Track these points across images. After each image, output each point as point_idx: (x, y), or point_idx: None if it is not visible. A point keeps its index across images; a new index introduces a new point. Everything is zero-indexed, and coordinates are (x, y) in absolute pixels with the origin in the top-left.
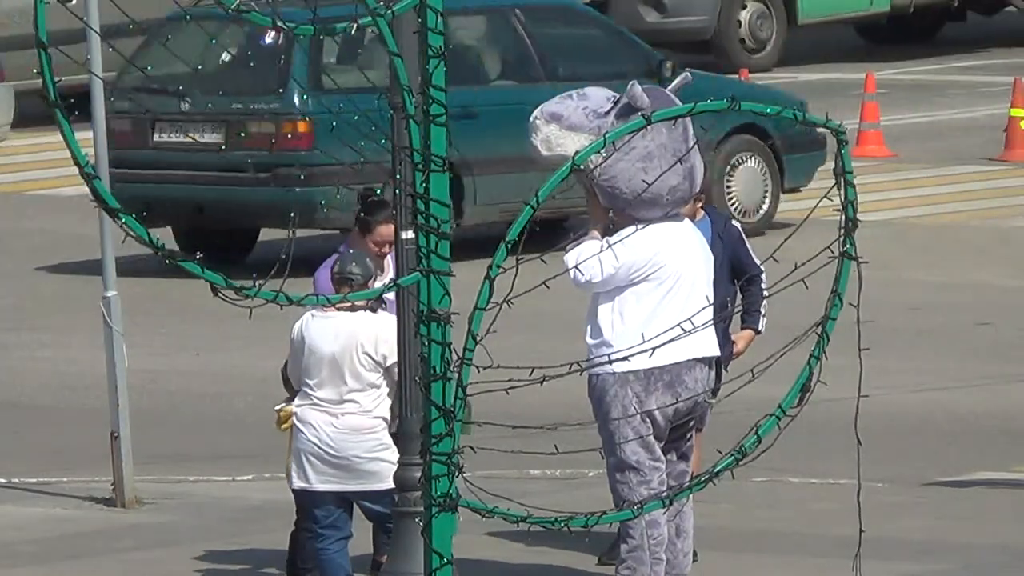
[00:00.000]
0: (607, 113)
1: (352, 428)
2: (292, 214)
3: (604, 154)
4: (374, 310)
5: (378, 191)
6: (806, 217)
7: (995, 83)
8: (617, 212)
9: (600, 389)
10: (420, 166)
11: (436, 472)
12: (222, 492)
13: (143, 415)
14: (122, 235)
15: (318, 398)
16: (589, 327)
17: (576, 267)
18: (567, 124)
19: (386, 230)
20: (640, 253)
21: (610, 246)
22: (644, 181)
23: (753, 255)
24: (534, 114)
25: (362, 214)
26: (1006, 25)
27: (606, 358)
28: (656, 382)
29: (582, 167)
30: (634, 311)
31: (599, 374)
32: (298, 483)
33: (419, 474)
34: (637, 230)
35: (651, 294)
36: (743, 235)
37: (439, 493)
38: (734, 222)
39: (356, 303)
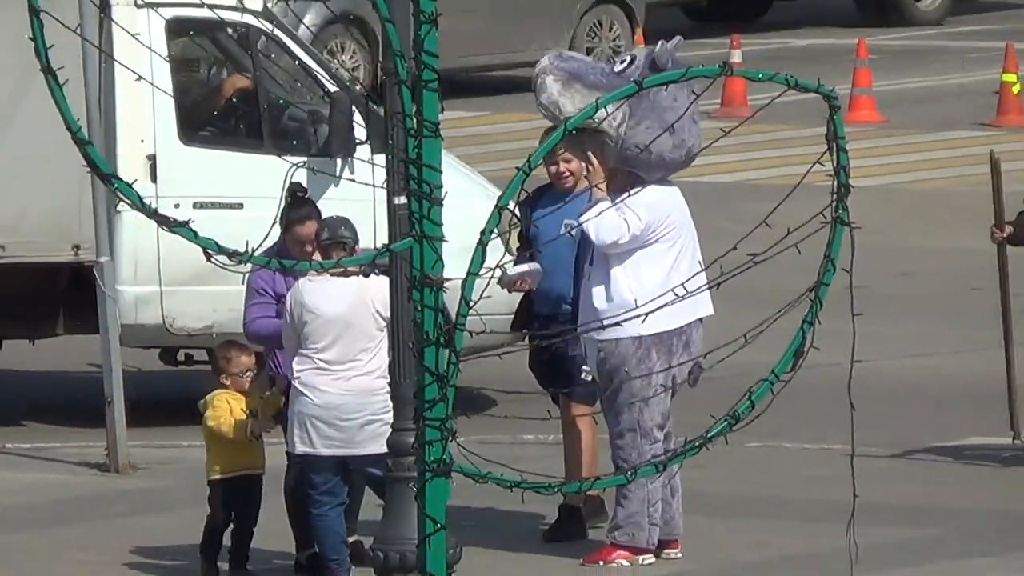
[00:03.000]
0: (621, 72)
1: (361, 390)
2: (285, 186)
3: (630, 116)
4: (367, 275)
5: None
6: (799, 182)
7: (987, 48)
8: (620, 173)
9: (621, 354)
10: (412, 131)
11: (430, 437)
12: None
13: (137, 379)
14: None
15: (324, 360)
16: (601, 291)
17: (599, 227)
18: (589, 83)
19: (303, 230)
20: (658, 214)
21: (621, 204)
22: (641, 148)
23: None
24: (546, 73)
25: (286, 210)
26: (841, 6)
27: (614, 322)
28: (677, 343)
29: (604, 127)
30: (651, 273)
31: (620, 338)
32: (301, 448)
33: (412, 439)
34: (632, 193)
35: (665, 255)
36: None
37: (432, 458)
38: None
39: (349, 268)
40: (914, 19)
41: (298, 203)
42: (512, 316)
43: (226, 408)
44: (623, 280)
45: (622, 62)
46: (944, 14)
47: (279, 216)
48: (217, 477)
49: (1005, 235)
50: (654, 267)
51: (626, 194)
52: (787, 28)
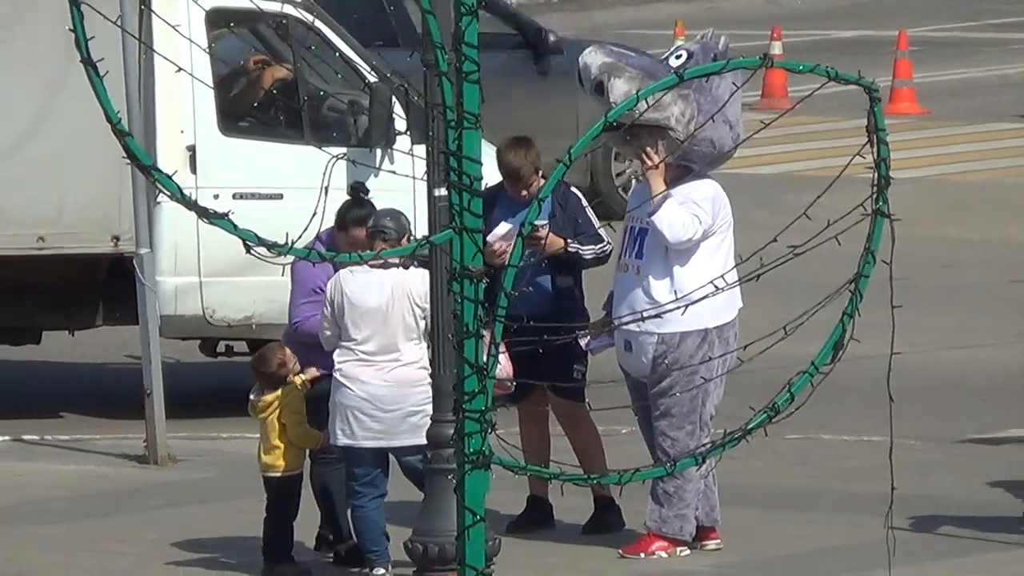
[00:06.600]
0: (680, 68)
1: (402, 381)
2: (324, 174)
3: (698, 112)
4: (407, 267)
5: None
6: (839, 175)
7: None
8: (670, 166)
9: (687, 347)
10: (453, 123)
11: (469, 429)
12: (254, 449)
13: (176, 371)
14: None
15: (365, 352)
16: (664, 285)
17: (672, 224)
18: (643, 69)
19: (361, 233)
20: (718, 207)
21: (688, 200)
22: (715, 143)
23: (594, 220)
24: (614, 70)
25: (344, 209)
26: None
27: (638, 316)
28: (732, 334)
29: (673, 126)
30: (710, 265)
31: (687, 331)
32: (343, 440)
33: (452, 431)
34: (667, 194)
35: (720, 247)
36: (582, 201)
37: (472, 450)
38: (574, 189)
39: (389, 260)
40: None
41: (358, 203)
42: None
43: (303, 408)
44: (685, 272)
45: (678, 56)
46: None
47: (336, 213)
48: (298, 472)
49: None
50: (711, 259)
51: (684, 186)
52: None
